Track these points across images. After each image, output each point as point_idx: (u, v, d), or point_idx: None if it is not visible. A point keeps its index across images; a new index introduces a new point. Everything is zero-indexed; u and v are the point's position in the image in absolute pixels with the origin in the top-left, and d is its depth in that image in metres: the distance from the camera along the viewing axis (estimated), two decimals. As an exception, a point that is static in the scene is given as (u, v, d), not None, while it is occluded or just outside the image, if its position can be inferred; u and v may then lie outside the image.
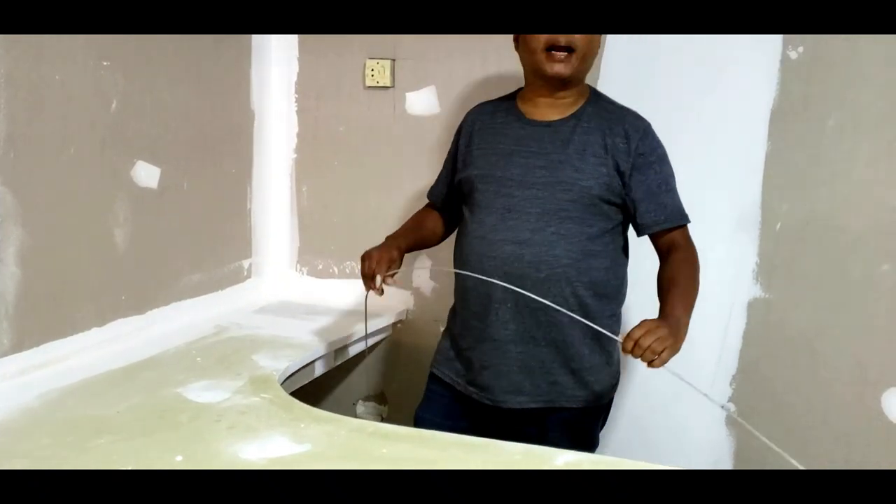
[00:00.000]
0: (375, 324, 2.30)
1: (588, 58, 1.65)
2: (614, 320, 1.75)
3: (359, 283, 1.73)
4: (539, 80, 1.68)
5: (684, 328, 1.52)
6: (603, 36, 1.65)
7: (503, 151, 1.71)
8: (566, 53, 1.60)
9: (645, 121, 1.70)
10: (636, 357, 1.43)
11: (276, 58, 2.52)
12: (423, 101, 2.37)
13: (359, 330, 2.18)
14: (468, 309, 1.75)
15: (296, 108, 2.56)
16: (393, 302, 2.43)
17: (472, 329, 1.75)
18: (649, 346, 1.41)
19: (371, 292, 1.72)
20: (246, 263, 2.50)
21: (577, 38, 1.60)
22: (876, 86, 1.88)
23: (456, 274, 1.77)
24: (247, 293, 2.49)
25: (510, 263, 1.65)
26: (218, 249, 2.37)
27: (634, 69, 2.11)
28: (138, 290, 2.06)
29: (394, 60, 2.39)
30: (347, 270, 2.51)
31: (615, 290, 1.74)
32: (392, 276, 1.72)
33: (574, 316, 1.56)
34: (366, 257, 1.72)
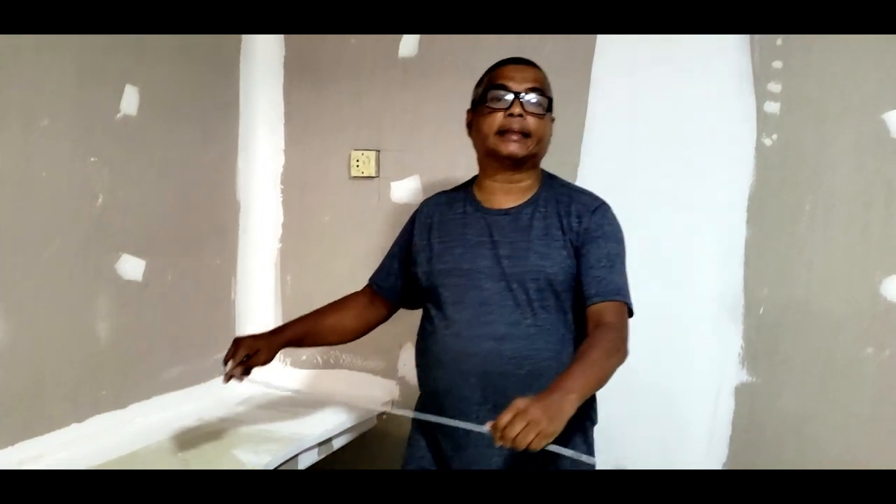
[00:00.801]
0: (357, 415, 2.26)
1: (542, 142, 1.64)
2: (592, 406, 1.72)
3: (346, 374, 1.73)
4: (494, 163, 1.66)
5: (569, 406, 1.32)
6: (549, 123, 1.66)
7: (468, 243, 1.66)
8: (520, 136, 1.60)
9: (599, 200, 1.67)
10: (507, 447, 1.28)
11: (263, 150, 2.57)
12: (407, 190, 2.40)
13: (344, 422, 2.15)
14: (444, 414, 1.61)
15: (281, 199, 2.59)
16: (378, 392, 2.40)
17: (449, 435, 1.65)
18: (517, 436, 1.25)
19: (233, 378, 1.70)
20: (230, 355, 2.47)
21: (530, 124, 1.60)
22: (847, 171, 1.92)
23: (423, 374, 1.71)
24: (229, 385, 2.44)
25: (490, 361, 1.58)
26: (201, 341, 2.35)
27: (614, 160, 2.15)
28: (119, 384, 2.03)
29: (378, 151, 2.43)
30: (332, 361, 2.49)
31: None
32: (242, 364, 1.69)
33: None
34: (234, 341, 1.72)
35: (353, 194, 2.48)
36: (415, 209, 1.85)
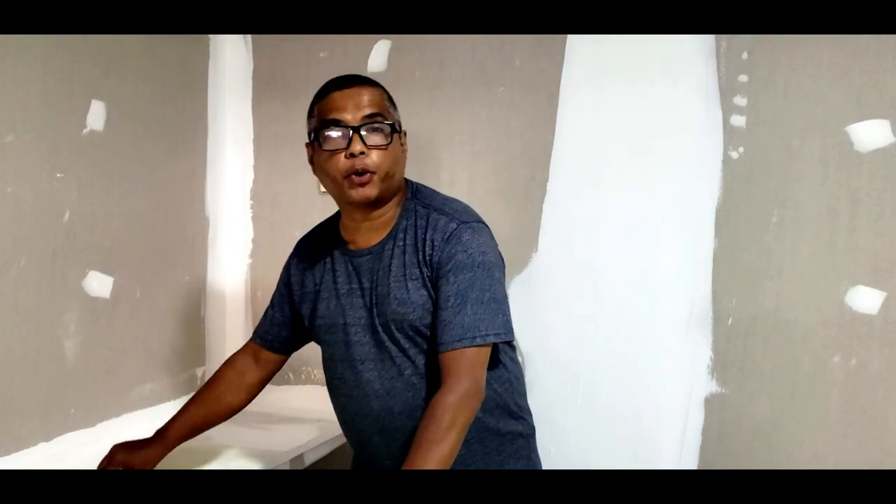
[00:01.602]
0: (331, 430, 2.24)
1: (393, 173, 1.48)
2: (522, 437, 1.60)
3: (314, 389, 1.70)
4: (348, 207, 1.51)
5: None
6: (400, 144, 1.52)
7: (339, 292, 1.55)
8: (368, 174, 1.43)
9: (454, 223, 1.47)
10: None
11: (232, 165, 2.55)
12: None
13: (316, 437, 2.13)
14: (363, 466, 1.65)
15: (251, 215, 2.57)
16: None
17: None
18: None
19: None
20: (199, 372, 2.45)
21: (374, 159, 1.43)
22: (812, 183, 1.96)
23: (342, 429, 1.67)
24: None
25: (383, 419, 1.50)
26: (171, 358, 2.32)
27: (584, 173, 2.17)
28: (88, 403, 2.00)
29: (348, 166, 2.42)
30: (303, 377, 2.48)
31: (514, 403, 1.58)
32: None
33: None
34: (111, 450, 1.62)
35: (323, 210, 2.43)
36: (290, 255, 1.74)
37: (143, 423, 2.15)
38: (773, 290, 2.01)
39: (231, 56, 2.53)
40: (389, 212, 1.52)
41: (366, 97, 1.46)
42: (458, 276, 1.43)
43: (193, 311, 2.43)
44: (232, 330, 2.56)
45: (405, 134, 1.55)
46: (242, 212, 2.58)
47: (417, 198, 1.55)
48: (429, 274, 1.47)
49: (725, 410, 2.06)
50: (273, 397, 2.51)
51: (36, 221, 1.84)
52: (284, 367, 2.50)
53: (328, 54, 2.44)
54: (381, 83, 2.34)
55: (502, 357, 1.56)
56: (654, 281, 2.11)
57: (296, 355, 2.48)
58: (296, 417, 2.33)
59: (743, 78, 2.02)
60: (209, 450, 2.00)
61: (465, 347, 1.40)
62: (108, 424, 2.06)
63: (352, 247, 1.55)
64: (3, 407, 1.77)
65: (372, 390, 1.50)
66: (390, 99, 1.54)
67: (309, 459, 2.19)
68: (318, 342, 1.63)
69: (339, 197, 1.50)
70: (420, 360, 1.48)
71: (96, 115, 2.00)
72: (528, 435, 1.64)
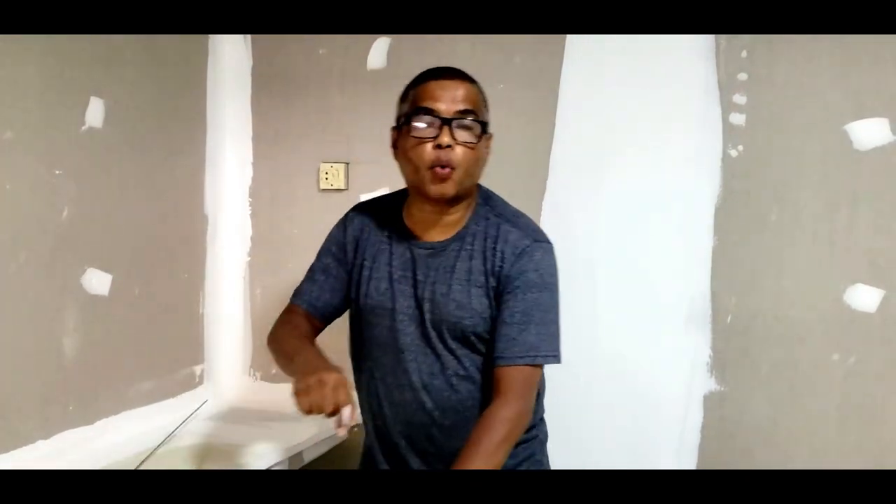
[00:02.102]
0: (328, 428, 2.24)
1: (473, 174, 1.47)
2: (537, 440, 1.61)
3: None
4: (421, 197, 1.49)
5: None
6: (485, 146, 1.49)
7: (392, 277, 1.52)
8: (450, 170, 1.41)
9: (527, 240, 1.48)
10: None
11: (231, 163, 2.55)
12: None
13: (314, 435, 2.13)
14: (374, 458, 1.62)
15: (250, 212, 2.57)
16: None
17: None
18: None
19: (339, 430, 1.36)
20: (198, 369, 2.45)
21: (458, 156, 1.41)
22: (811, 181, 1.96)
23: (361, 408, 1.58)
24: (198, 400, 2.42)
25: (412, 412, 1.50)
26: (169, 355, 2.32)
27: (583, 171, 2.17)
28: (87, 400, 2.00)
29: (348, 164, 2.43)
30: (302, 374, 2.47)
31: (535, 413, 1.57)
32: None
33: None
34: (315, 385, 1.33)
35: (323, 207, 2.46)
36: (342, 218, 1.67)
37: (142, 421, 2.16)
38: (772, 288, 2.01)
39: (230, 53, 2.52)
40: (459, 212, 1.51)
41: (462, 92, 1.45)
42: (525, 294, 1.44)
43: (192, 308, 2.43)
44: (230, 327, 2.56)
45: (491, 137, 1.52)
46: (241, 209, 2.57)
47: (489, 204, 1.54)
48: (494, 285, 1.46)
49: (724, 408, 2.06)
50: (271, 395, 2.51)
51: (34, 218, 1.83)
52: (283, 364, 2.52)
53: (327, 51, 2.44)
54: (380, 81, 2.36)
55: None
56: (653, 279, 2.11)
57: (295, 353, 2.49)
58: (294, 415, 2.32)
59: (742, 76, 2.02)
60: (209, 448, 2.01)
61: (524, 365, 1.42)
62: (107, 422, 2.05)
63: (414, 235, 1.53)
64: (2, 404, 1.77)
65: (409, 381, 1.50)
66: (485, 99, 1.52)
67: (308, 457, 2.20)
68: (358, 319, 1.59)
69: (417, 188, 1.48)
70: (466, 363, 1.49)
71: (95, 113, 1.99)
72: (542, 440, 1.65)
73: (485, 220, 1.51)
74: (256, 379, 2.56)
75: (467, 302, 1.46)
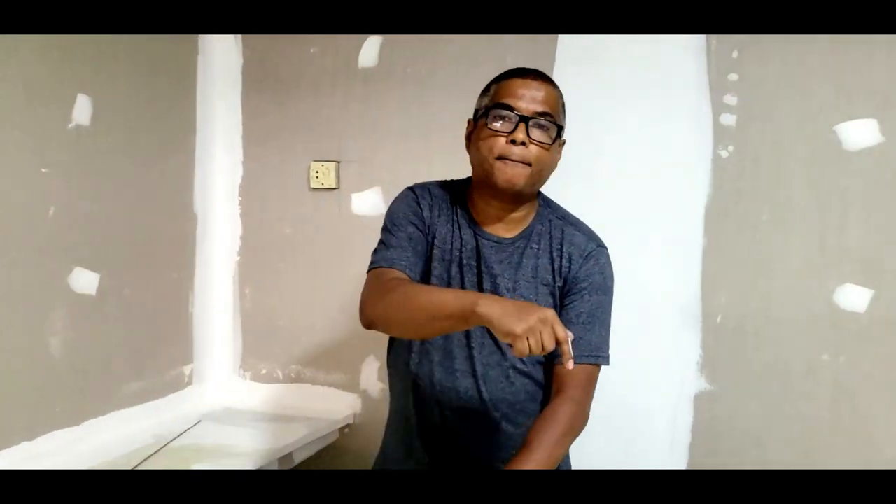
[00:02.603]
0: (318, 429, 2.23)
1: (543, 173, 1.47)
2: None
3: (308, 388, 1.65)
4: (489, 190, 1.47)
5: None
6: (557, 151, 1.50)
7: (457, 260, 1.50)
8: (523, 165, 1.42)
9: (593, 244, 1.52)
10: None
11: (221, 161, 2.53)
12: (368, 202, 2.39)
13: (305, 436, 2.12)
14: (413, 441, 1.56)
15: (240, 211, 2.56)
16: (338, 405, 2.38)
17: (420, 462, 1.56)
18: None
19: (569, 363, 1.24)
20: (187, 369, 2.43)
21: (532, 153, 1.42)
22: (802, 182, 1.96)
23: (396, 392, 1.59)
24: (187, 400, 2.41)
25: (467, 399, 1.49)
26: (158, 356, 2.31)
27: (575, 170, 2.17)
28: (74, 401, 1.98)
29: (339, 162, 2.42)
30: (292, 374, 2.46)
31: None
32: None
33: None
34: (539, 325, 1.18)
35: (313, 206, 2.46)
36: (380, 220, 1.57)
37: (131, 422, 2.14)
38: (762, 288, 2.01)
39: (221, 52, 2.51)
40: (523, 211, 1.51)
41: (543, 94, 1.45)
42: (592, 296, 1.49)
43: (181, 308, 2.41)
44: (220, 327, 2.55)
45: (564, 143, 1.53)
46: (231, 208, 2.56)
47: (550, 206, 1.57)
48: (560, 284, 1.49)
49: (715, 408, 2.06)
50: (260, 396, 2.50)
51: (21, 217, 1.82)
52: (273, 365, 2.52)
53: (319, 50, 2.43)
54: (372, 79, 2.36)
55: None
56: (645, 279, 2.11)
57: (284, 353, 2.49)
58: (284, 416, 2.32)
59: (733, 76, 2.02)
60: (199, 448, 2.00)
61: (589, 364, 1.47)
62: (95, 423, 2.04)
63: (481, 226, 1.52)
64: (-12, 405, 1.76)
65: (467, 368, 1.49)
66: (563, 104, 1.52)
67: (297, 458, 2.19)
68: None
69: (485, 177, 1.46)
70: (525, 358, 1.46)
71: (82, 110, 1.98)
72: None
73: (548, 222, 1.54)
74: (246, 379, 2.55)
75: (534, 298, 1.48)
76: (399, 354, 1.59)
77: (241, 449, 2.01)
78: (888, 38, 1.87)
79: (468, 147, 1.54)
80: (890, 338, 1.90)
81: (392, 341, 1.63)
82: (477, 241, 1.51)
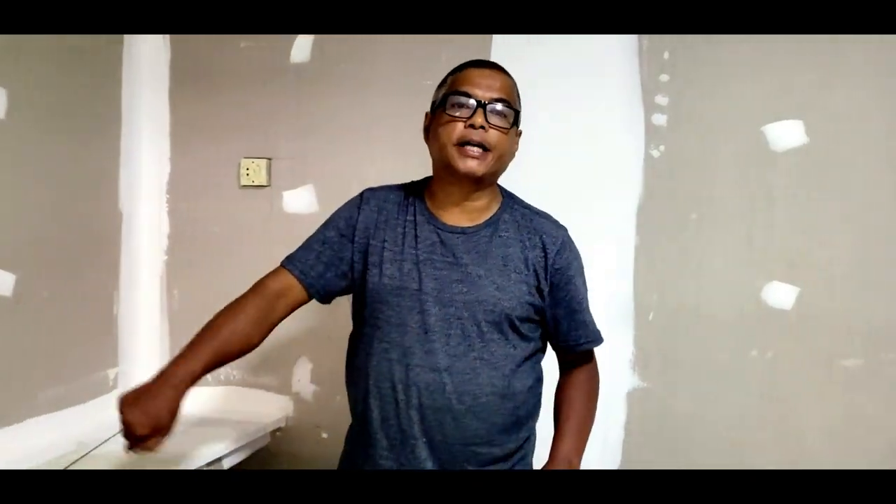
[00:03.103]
0: (249, 433, 2.18)
1: (503, 158, 1.50)
2: (530, 441, 1.62)
3: (237, 390, 1.61)
4: (449, 178, 1.50)
5: (579, 460, 1.51)
6: (515, 140, 1.54)
7: (418, 259, 1.50)
8: (480, 150, 1.45)
9: (562, 230, 1.58)
10: None
11: (147, 157, 2.45)
12: (300, 200, 2.34)
13: (235, 440, 2.07)
14: (375, 445, 1.52)
15: (167, 209, 2.48)
16: (270, 408, 2.33)
17: (384, 469, 1.52)
18: None
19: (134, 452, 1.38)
20: (112, 373, 2.35)
21: (492, 137, 1.45)
22: (730, 181, 2.00)
23: (356, 400, 1.55)
24: (112, 405, 2.32)
25: (429, 394, 1.46)
26: (81, 360, 2.22)
27: (508, 175, 2.16)
28: (-11, 407, 1.89)
29: (270, 159, 2.37)
30: (222, 377, 2.40)
31: (533, 410, 1.59)
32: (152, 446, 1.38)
33: None
34: (126, 405, 1.38)
35: (244, 204, 2.40)
36: (312, 219, 1.66)
37: (51, 429, 2.06)
38: (692, 285, 2.04)
39: (147, 44, 2.44)
40: (485, 199, 1.54)
41: (499, 81, 1.50)
42: (579, 280, 1.58)
43: (105, 310, 2.33)
44: (146, 328, 2.47)
45: (521, 132, 1.57)
46: (158, 206, 2.48)
47: (513, 198, 1.61)
48: (536, 274, 1.52)
49: (647, 404, 2.09)
50: (190, 399, 2.43)
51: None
52: (202, 366, 2.45)
53: (249, 44, 2.37)
54: (305, 74, 2.31)
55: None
56: (578, 277, 2.12)
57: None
58: (214, 420, 2.26)
59: (664, 77, 2.04)
60: (121, 456, 1.92)
61: (599, 345, 1.62)
62: (10, 431, 1.95)
63: (440, 219, 1.53)
64: None
65: (429, 362, 1.47)
66: (519, 96, 1.56)
67: (228, 463, 2.13)
68: (372, 301, 1.52)
69: (445, 165, 1.49)
70: (490, 346, 1.48)
71: (-2, 103, 1.89)
72: (534, 440, 1.66)
73: (515, 211, 1.57)
74: (174, 382, 2.47)
75: (506, 285, 1.49)
76: (355, 364, 1.57)
77: (165, 455, 1.94)
78: (812, 40, 1.91)
79: (426, 139, 1.56)
80: (815, 334, 1.95)
81: (350, 352, 1.60)
82: (439, 234, 1.52)
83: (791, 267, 1.96)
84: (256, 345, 1.54)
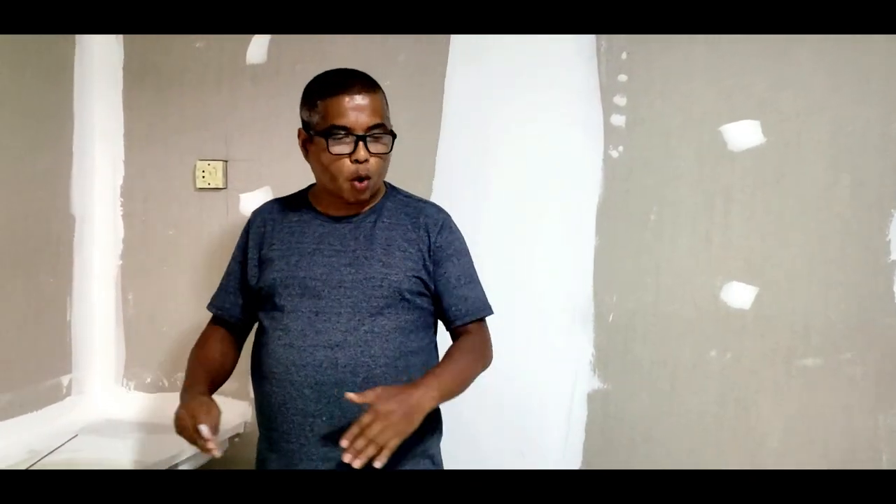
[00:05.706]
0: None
1: (383, 175, 1.63)
2: (437, 435, 1.68)
3: None
4: (339, 198, 1.62)
5: (428, 404, 1.43)
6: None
7: (304, 250, 1.62)
8: (367, 181, 1.56)
9: (444, 213, 1.70)
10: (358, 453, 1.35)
11: (101, 160, 2.41)
12: (257, 202, 2.29)
13: (190, 447, 2.03)
14: (276, 429, 1.59)
15: (121, 212, 2.44)
16: (228, 414, 2.28)
17: (284, 452, 1.59)
18: (373, 439, 1.35)
19: (210, 452, 1.48)
20: (65, 380, 2.30)
21: (374, 167, 1.56)
22: (688, 181, 2.01)
23: (257, 389, 1.64)
24: (66, 413, 2.28)
25: (323, 371, 1.53)
26: (32, 366, 2.17)
27: (468, 170, 2.16)
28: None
29: (226, 161, 2.33)
30: (178, 383, 2.36)
31: None
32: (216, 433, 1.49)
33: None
34: (183, 417, 1.52)
35: (200, 207, 2.36)
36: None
37: (1, 437, 2.01)
38: (652, 286, 2.05)
39: (100, 44, 2.39)
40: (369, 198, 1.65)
41: (371, 106, 1.56)
42: (460, 260, 1.66)
43: (58, 316, 2.28)
44: (101, 334, 2.42)
45: (395, 137, 1.62)
46: (112, 209, 2.43)
47: (396, 189, 1.73)
48: (422, 251, 1.62)
49: (608, 405, 2.09)
50: (145, 406, 2.39)
51: None
52: (158, 373, 2.41)
53: (204, 44, 2.33)
54: (261, 75, 2.28)
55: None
56: (537, 279, 2.11)
57: (170, 361, 2.38)
58: (170, 426, 2.21)
59: (622, 77, 2.05)
60: (73, 464, 1.88)
61: (485, 317, 1.68)
62: (-41, 440, 1.90)
63: (326, 214, 1.65)
64: None
65: (321, 341, 1.54)
66: (386, 102, 1.63)
67: (185, 468, 2.09)
68: (267, 298, 1.63)
69: (335, 191, 1.60)
70: (378, 320, 1.56)
71: (-58, 104, 1.84)
72: (439, 436, 1.70)
73: (397, 200, 1.69)
74: (130, 389, 2.43)
75: (392, 261, 1.59)
76: (257, 357, 1.65)
77: (121, 462, 1.91)
78: (765, 41, 1.93)
79: (306, 156, 1.66)
80: (773, 334, 1.96)
81: (253, 348, 1.69)
82: (324, 226, 1.64)
83: (749, 267, 1.97)
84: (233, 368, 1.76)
